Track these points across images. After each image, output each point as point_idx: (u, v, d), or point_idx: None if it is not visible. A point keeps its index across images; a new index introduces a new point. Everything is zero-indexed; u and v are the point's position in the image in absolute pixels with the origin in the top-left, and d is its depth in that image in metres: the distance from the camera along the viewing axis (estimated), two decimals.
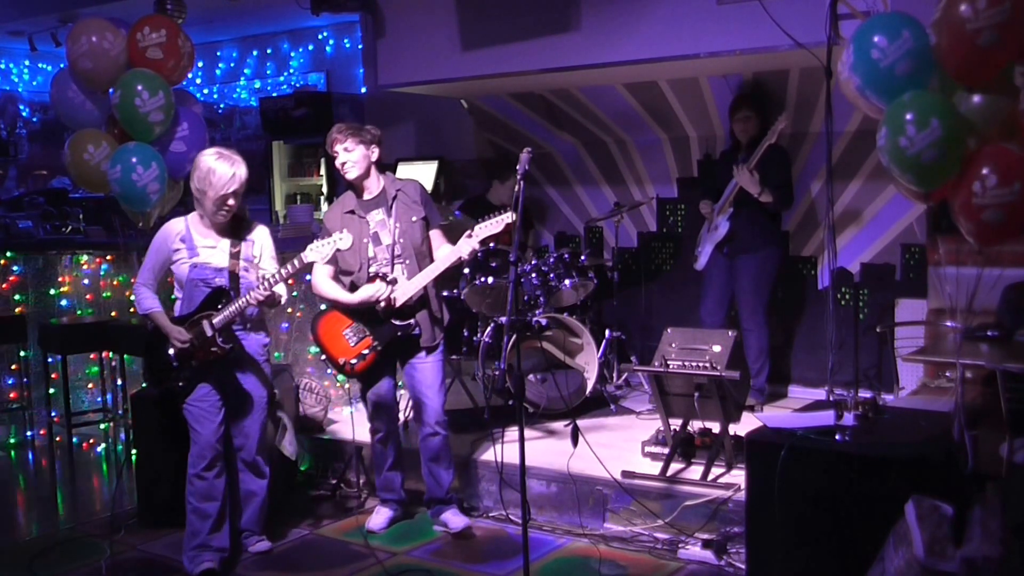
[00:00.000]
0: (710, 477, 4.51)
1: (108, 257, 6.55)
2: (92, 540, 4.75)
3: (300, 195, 8.70)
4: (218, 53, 9.30)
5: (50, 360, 6.41)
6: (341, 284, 4.59)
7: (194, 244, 4.28)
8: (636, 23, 5.49)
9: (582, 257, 6.08)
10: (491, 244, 5.63)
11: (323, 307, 4.72)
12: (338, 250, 4.25)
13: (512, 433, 3.89)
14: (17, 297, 6.76)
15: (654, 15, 5.43)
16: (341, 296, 4.53)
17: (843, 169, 5.94)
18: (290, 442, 5.02)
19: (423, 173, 7.32)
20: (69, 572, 4.42)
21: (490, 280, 5.67)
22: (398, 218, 4.54)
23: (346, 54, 8.48)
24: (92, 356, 6.60)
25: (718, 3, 5.19)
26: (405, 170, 7.34)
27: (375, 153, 4.53)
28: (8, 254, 6.79)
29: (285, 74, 8.90)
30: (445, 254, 4.50)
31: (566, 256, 5.98)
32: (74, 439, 6.39)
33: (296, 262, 4.18)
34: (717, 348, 4.63)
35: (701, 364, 4.56)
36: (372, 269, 4.52)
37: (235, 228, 4.35)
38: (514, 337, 3.99)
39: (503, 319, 5.63)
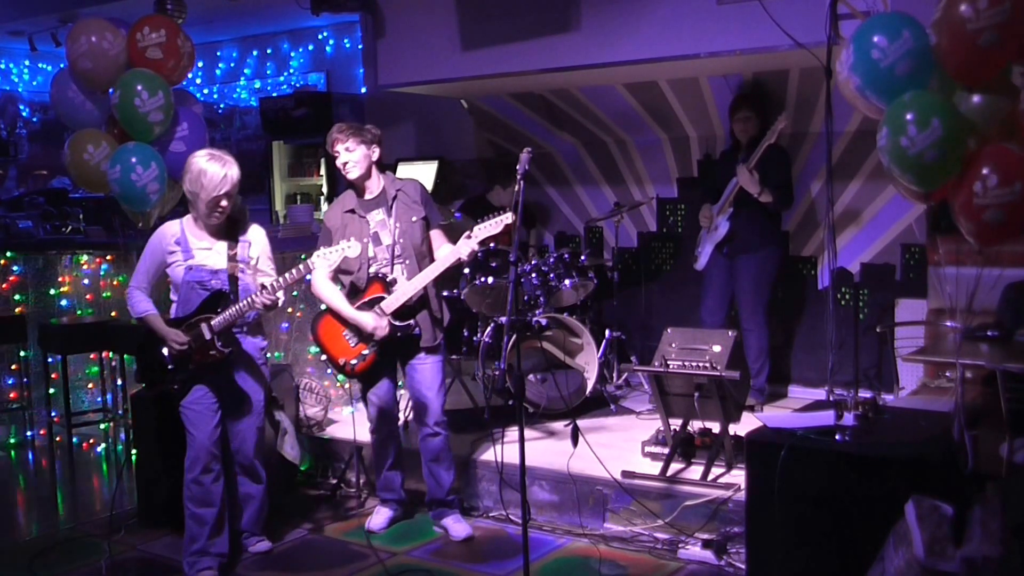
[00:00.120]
0: (710, 477, 4.51)
1: (108, 257, 6.55)
2: (92, 540, 4.75)
3: (300, 195, 8.70)
4: (218, 53, 9.30)
5: (50, 360, 6.41)
6: (340, 284, 4.60)
7: (189, 246, 4.24)
8: (636, 23, 5.49)
9: (582, 257, 6.08)
10: (491, 244, 5.63)
11: (323, 307, 4.72)
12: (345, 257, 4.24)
13: (512, 433, 3.89)
14: (17, 297, 6.76)
15: (654, 15, 5.43)
16: (338, 305, 4.52)
17: (843, 169, 5.94)
18: (292, 445, 5.02)
19: (423, 173, 7.32)
20: (69, 572, 4.42)
21: (490, 280, 5.67)
22: (398, 218, 4.54)
23: (346, 54, 8.48)
24: (92, 356, 6.60)
25: (718, 3, 5.19)
26: (405, 170, 7.34)
27: (376, 153, 4.54)
28: (8, 254, 6.79)
29: (285, 74, 8.90)
30: (445, 255, 4.50)
31: (566, 256, 5.98)
32: (74, 439, 6.38)
33: (302, 267, 4.16)
34: (717, 348, 4.63)
35: (701, 364, 4.56)
36: (372, 269, 4.52)
37: (231, 230, 4.31)
38: (514, 337, 3.99)
39: (503, 319, 5.63)
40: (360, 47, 8.16)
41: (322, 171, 8.43)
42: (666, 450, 4.71)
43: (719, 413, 4.57)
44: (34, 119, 9.86)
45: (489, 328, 5.73)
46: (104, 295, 6.61)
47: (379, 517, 4.79)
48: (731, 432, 4.62)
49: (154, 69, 5.14)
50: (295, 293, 5.95)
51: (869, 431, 3.66)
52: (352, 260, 4.46)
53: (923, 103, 3.50)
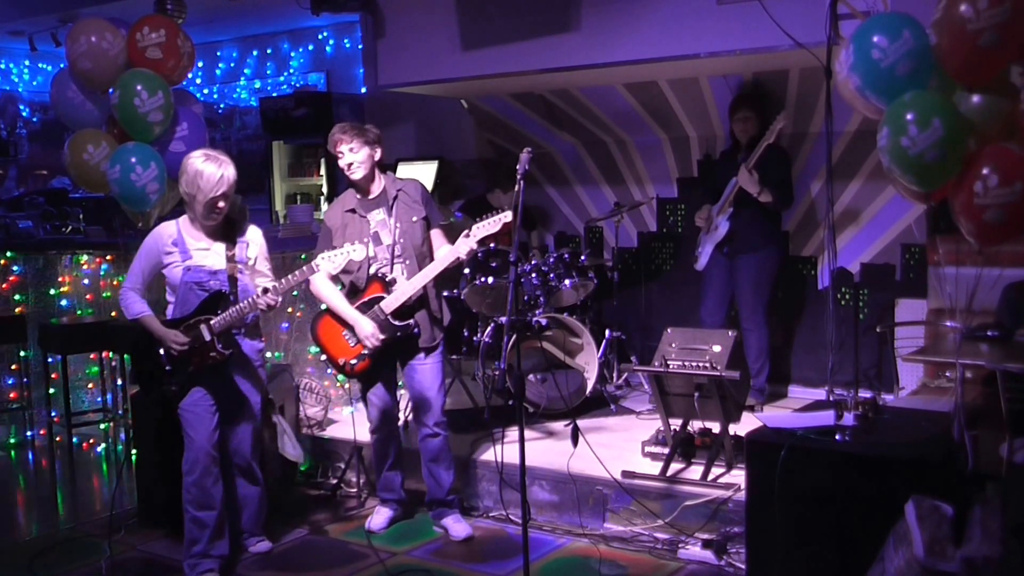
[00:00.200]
0: (710, 477, 4.50)
1: (108, 257, 6.55)
2: (92, 540, 4.75)
3: (300, 195, 8.70)
4: (218, 53, 9.30)
5: (50, 360, 6.41)
6: (340, 283, 4.59)
7: (187, 247, 4.20)
8: (636, 23, 5.49)
9: (582, 257, 6.08)
10: (491, 244, 5.63)
11: (323, 307, 4.71)
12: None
13: (512, 433, 3.89)
14: (17, 297, 6.76)
15: (654, 15, 5.43)
16: (338, 304, 4.52)
17: (843, 169, 5.94)
18: (292, 445, 5.01)
19: (423, 173, 7.31)
20: (69, 572, 4.42)
21: (490, 280, 5.67)
22: (399, 218, 4.54)
23: (346, 54, 8.48)
24: (92, 356, 6.60)
25: (718, 3, 5.19)
26: (405, 170, 7.34)
27: (378, 153, 4.54)
28: (8, 254, 6.79)
29: (285, 74, 8.90)
30: (444, 254, 4.50)
31: (566, 256, 5.98)
32: (74, 439, 6.38)
33: (306, 269, 4.16)
34: (717, 348, 4.63)
35: (701, 364, 4.56)
36: (372, 269, 4.52)
37: (228, 230, 4.28)
38: (514, 337, 3.99)
39: (503, 319, 5.63)
40: (360, 47, 8.16)
41: (322, 171, 8.43)
42: (666, 450, 4.71)
43: (719, 413, 4.57)
44: (34, 119, 9.87)
45: (489, 328, 5.73)
46: (104, 295, 6.61)
47: (379, 517, 4.79)
48: (731, 432, 4.62)
49: (154, 69, 5.14)
50: (295, 293, 5.95)
51: (869, 431, 3.66)
52: (354, 261, 4.46)
53: (924, 103, 3.50)
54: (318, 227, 5.77)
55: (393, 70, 6.57)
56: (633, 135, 6.87)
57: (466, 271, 5.72)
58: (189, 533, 4.24)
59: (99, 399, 6.68)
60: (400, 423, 5.15)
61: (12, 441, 6.66)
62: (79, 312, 6.71)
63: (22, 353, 6.65)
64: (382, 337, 4.45)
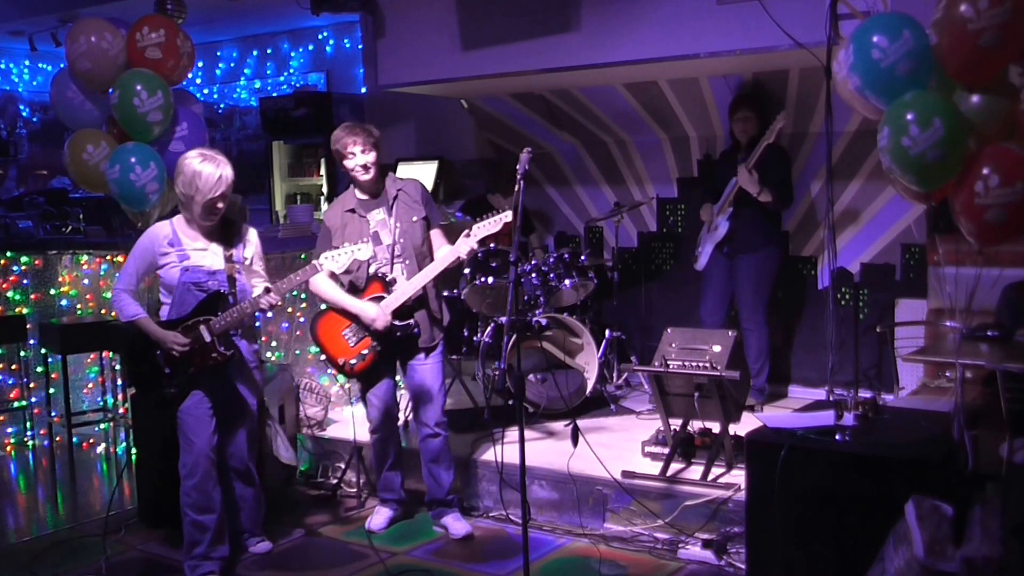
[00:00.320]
0: (710, 477, 4.50)
1: (108, 257, 6.54)
2: (92, 540, 4.75)
3: (300, 195, 8.70)
4: (218, 53, 9.30)
5: (50, 360, 6.41)
6: (340, 283, 4.59)
7: (183, 247, 4.14)
8: (636, 23, 5.49)
9: (582, 257, 6.08)
10: (491, 245, 5.63)
11: (323, 307, 4.71)
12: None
13: (512, 433, 3.89)
14: (17, 297, 6.76)
15: (654, 15, 5.43)
16: (338, 299, 4.52)
17: (843, 169, 5.94)
18: (285, 448, 5.01)
19: (423, 173, 7.32)
20: (69, 572, 4.42)
21: (490, 280, 5.67)
22: (399, 218, 4.54)
23: (346, 54, 8.48)
24: (92, 356, 6.60)
25: (718, 3, 5.19)
26: (405, 170, 7.34)
27: (381, 153, 4.54)
28: (8, 254, 6.79)
29: (285, 74, 8.91)
30: (444, 254, 4.49)
31: (566, 256, 5.98)
32: (74, 439, 6.38)
33: (309, 268, 4.14)
34: (717, 348, 4.63)
35: (701, 364, 4.56)
36: (372, 268, 4.52)
37: (224, 230, 4.23)
38: (514, 337, 3.99)
39: (503, 319, 5.63)
40: (360, 47, 8.16)
41: (322, 171, 8.44)
42: (666, 450, 4.71)
43: (719, 413, 4.56)
44: (34, 119, 9.86)
45: (489, 328, 5.73)
46: (104, 295, 6.60)
47: (379, 517, 4.79)
48: (731, 432, 4.62)
49: (153, 69, 5.14)
50: (295, 293, 5.95)
51: (869, 431, 3.66)
52: (358, 260, 4.44)
53: (925, 103, 3.50)
54: (318, 227, 5.77)
55: (393, 70, 6.57)
56: (633, 135, 6.87)
57: (466, 271, 5.72)
58: (189, 536, 4.21)
59: (99, 399, 6.67)
60: (400, 423, 5.15)
61: (12, 441, 6.66)
62: (79, 312, 6.71)
63: (22, 353, 6.66)
64: (388, 318, 4.43)
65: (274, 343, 5.98)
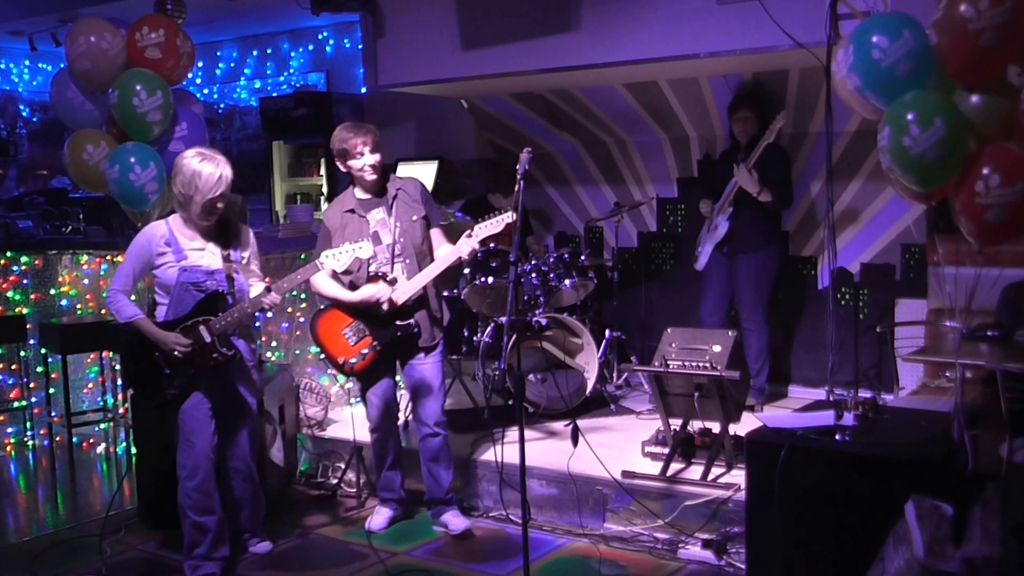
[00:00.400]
0: (710, 477, 4.50)
1: (108, 257, 6.54)
2: (92, 540, 4.74)
3: (300, 195, 8.70)
4: (218, 53, 9.30)
5: (50, 360, 6.41)
6: (340, 283, 4.59)
7: (181, 247, 4.11)
8: (636, 23, 5.49)
9: (582, 257, 6.08)
10: (492, 245, 5.63)
11: (323, 306, 4.71)
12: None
13: (512, 433, 3.89)
14: (17, 297, 6.76)
15: (654, 15, 5.43)
16: (341, 294, 4.51)
17: (843, 169, 5.94)
18: (278, 448, 5.01)
19: (423, 173, 7.31)
20: (69, 572, 4.42)
21: (490, 280, 5.67)
22: (398, 217, 4.54)
23: (346, 54, 8.48)
24: (92, 356, 6.60)
25: (718, 3, 5.19)
26: (405, 170, 7.33)
27: (384, 153, 4.55)
28: (8, 254, 6.79)
29: (285, 74, 8.91)
30: (445, 254, 4.49)
31: (566, 256, 5.98)
32: (74, 439, 6.38)
33: (310, 267, 4.13)
34: (717, 348, 4.63)
35: (701, 364, 4.56)
36: (372, 268, 4.51)
37: (222, 230, 4.21)
38: (514, 337, 3.98)
39: (503, 319, 5.63)
40: (360, 47, 8.15)
41: (322, 171, 8.43)
42: (666, 450, 4.71)
43: (719, 413, 4.57)
44: (34, 119, 9.86)
45: (489, 328, 5.73)
46: (104, 295, 6.60)
47: (379, 517, 4.79)
48: (731, 432, 4.62)
49: (153, 69, 5.14)
50: (296, 293, 5.95)
51: (869, 431, 3.66)
52: (359, 259, 4.43)
53: (925, 103, 3.50)
54: (318, 227, 5.77)
55: (393, 70, 6.57)
56: (633, 135, 6.87)
57: (466, 271, 5.72)
58: (190, 537, 4.20)
59: (99, 399, 6.67)
60: (400, 423, 5.15)
61: (12, 441, 6.66)
62: (79, 312, 6.71)
63: (22, 353, 6.66)
64: (399, 296, 4.42)
65: (274, 343, 5.98)
